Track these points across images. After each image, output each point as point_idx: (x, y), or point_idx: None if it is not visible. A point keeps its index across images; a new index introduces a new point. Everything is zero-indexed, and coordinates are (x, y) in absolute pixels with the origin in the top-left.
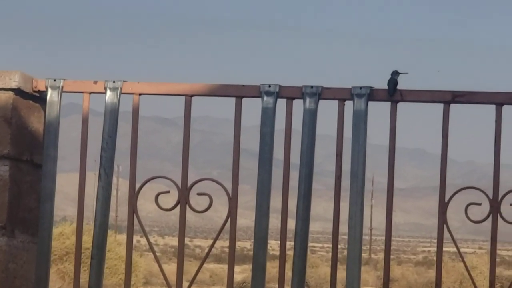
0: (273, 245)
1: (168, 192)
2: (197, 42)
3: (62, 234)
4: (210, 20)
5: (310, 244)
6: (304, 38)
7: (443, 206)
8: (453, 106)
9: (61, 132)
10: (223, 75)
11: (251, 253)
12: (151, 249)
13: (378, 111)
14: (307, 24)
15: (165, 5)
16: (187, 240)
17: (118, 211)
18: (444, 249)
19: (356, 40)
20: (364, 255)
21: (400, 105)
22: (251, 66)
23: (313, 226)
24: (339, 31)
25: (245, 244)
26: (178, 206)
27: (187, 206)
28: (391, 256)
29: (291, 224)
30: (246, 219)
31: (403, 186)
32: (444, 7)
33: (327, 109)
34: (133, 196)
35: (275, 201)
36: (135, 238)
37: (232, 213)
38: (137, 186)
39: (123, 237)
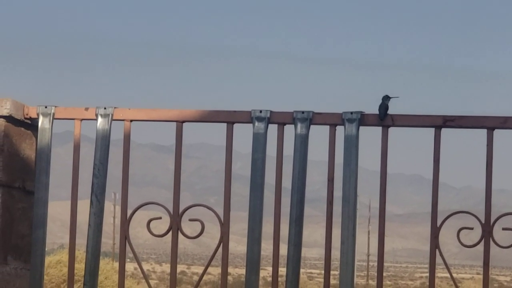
0: (269, 271)
1: (160, 218)
2: (188, 69)
3: (60, 262)
4: (201, 46)
5: (308, 270)
6: (294, 64)
7: (435, 231)
8: (449, 132)
9: (59, 159)
10: (215, 101)
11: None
12: (143, 275)
13: (376, 137)
14: (297, 50)
15: (155, 32)
16: (184, 267)
17: (116, 238)
18: (441, 274)
19: (346, 65)
20: (362, 281)
21: (397, 132)
22: (242, 92)
23: (311, 253)
24: (329, 57)
25: (242, 271)
26: (170, 233)
27: (179, 232)
28: (389, 282)
29: (285, 249)
30: (243, 246)
31: (401, 212)
32: (434, 33)
33: (324, 135)
34: (125, 222)
35: (269, 227)
36: (132, 265)
37: (224, 239)
38: (130, 213)
39: None
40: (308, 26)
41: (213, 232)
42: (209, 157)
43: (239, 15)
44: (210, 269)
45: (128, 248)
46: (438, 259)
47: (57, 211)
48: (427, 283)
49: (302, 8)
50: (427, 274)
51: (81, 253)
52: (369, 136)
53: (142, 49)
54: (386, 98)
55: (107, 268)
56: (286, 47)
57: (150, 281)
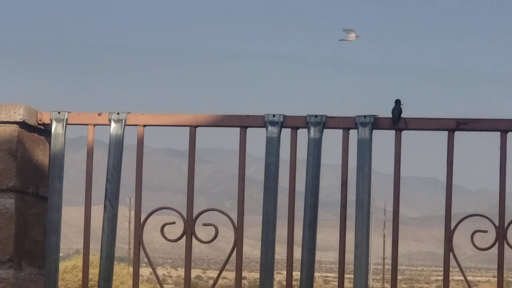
0: (284, 275)
1: (174, 223)
2: (201, 72)
3: (75, 267)
4: (213, 50)
5: (323, 274)
6: (306, 68)
7: (449, 234)
8: (464, 135)
9: (73, 165)
10: (228, 106)
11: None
12: (157, 279)
13: (390, 143)
14: (309, 55)
15: (168, 36)
16: (200, 272)
17: (131, 243)
18: (457, 277)
19: (359, 70)
20: (378, 284)
21: (412, 135)
22: (255, 96)
23: (326, 257)
24: (341, 61)
25: (258, 275)
26: (184, 237)
27: (193, 237)
28: (405, 286)
29: (299, 253)
30: (259, 250)
31: (416, 215)
32: (446, 36)
33: (338, 138)
34: (139, 227)
35: (283, 231)
36: (148, 270)
37: (238, 243)
38: (144, 218)
39: None
40: (321, 31)
41: (229, 236)
42: (224, 162)
43: (253, 19)
44: (225, 273)
45: (143, 252)
46: (453, 262)
47: (72, 217)
48: (443, 286)
49: (314, 13)
50: (443, 277)
51: (96, 258)
52: (385, 139)
53: (155, 53)
54: (399, 102)
55: (123, 273)
56: (299, 52)
57: (166, 286)
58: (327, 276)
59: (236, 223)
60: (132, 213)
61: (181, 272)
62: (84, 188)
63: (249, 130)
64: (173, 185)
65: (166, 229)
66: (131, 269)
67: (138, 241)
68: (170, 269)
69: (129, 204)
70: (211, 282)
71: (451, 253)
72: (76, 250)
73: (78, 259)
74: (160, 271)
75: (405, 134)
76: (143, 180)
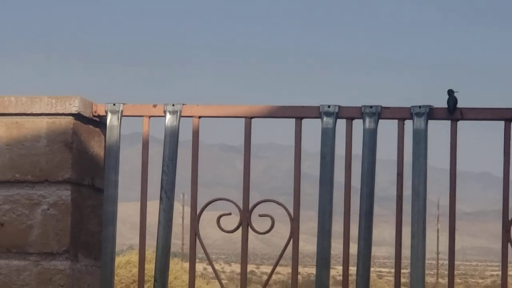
0: (338, 270)
1: (230, 214)
2: (254, 66)
3: (129, 263)
4: (269, 44)
5: (377, 269)
6: (359, 62)
7: (506, 224)
8: None
9: (127, 161)
10: (282, 97)
11: None
12: (214, 272)
13: (442, 133)
14: (364, 49)
15: (221, 32)
16: (253, 267)
17: (185, 239)
18: None
19: (410, 62)
20: (432, 279)
21: (466, 130)
22: (309, 87)
23: (380, 251)
24: (395, 55)
25: (312, 270)
26: (240, 229)
27: (249, 228)
28: (459, 280)
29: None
30: (312, 245)
31: (470, 210)
32: (500, 27)
33: (391, 133)
34: (195, 218)
35: (339, 226)
36: (202, 265)
37: (294, 234)
38: (200, 209)
39: None
40: (376, 25)
41: (282, 231)
42: (278, 157)
43: (305, 14)
44: (278, 269)
45: (197, 248)
46: (510, 257)
47: (127, 213)
48: (498, 281)
49: (369, 7)
50: (498, 272)
51: (149, 254)
52: (436, 133)
53: (208, 47)
54: (452, 92)
55: (176, 268)
56: (354, 46)
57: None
58: (380, 271)
59: (292, 214)
60: (186, 208)
61: (234, 267)
62: (137, 184)
63: (303, 123)
64: (226, 181)
65: (221, 222)
66: (184, 264)
67: (195, 232)
68: (224, 264)
69: (182, 200)
70: (264, 277)
71: (509, 244)
72: (129, 246)
73: (131, 255)
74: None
75: (459, 124)
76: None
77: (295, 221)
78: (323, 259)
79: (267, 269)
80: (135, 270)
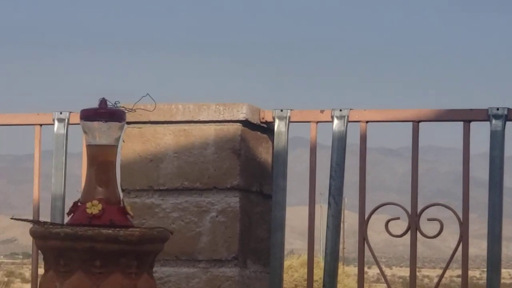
0: (503, 274)
1: (398, 218)
2: (416, 68)
3: (291, 267)
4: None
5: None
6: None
7: None
8: None
9: (288, 165)
10: (447, 101)
11: (480, 282)
12: (383, 276)
13: None
14: None
15: (391, 33)
16: None
17: (345, 243)
18: None
19: None
20: None
21: None
22: (477, 89)
23: None
24: None
25: (474, 273)
26: (408, 234)
27: (417, 233)
28: None
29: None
30: (474, 247)
31: None
32: None
33: None
34: (363, 223)
35: (505, 230)
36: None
37: (463, 238)
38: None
39: (350, 269)
40: None
41: (444, 234)
42: (438, 160)
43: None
44: (440, 272)
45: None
46: None
47: (287, 217)
48: None
49: None
50: None
51: (315, 258)
52: None
53: (375, 51)
54: None
55: (338, 272)
56: None
57: (380, 285)
58: None
59: (461, 217)
60: (346, 212)
61: (395, 270)
62: (297, 189)
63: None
64: (386, 185)
65: (385, 224)
66: (346, 268)
67: (363, 237)
68: (385, 268)
69: (343, 204)
70: (426, 280)
71: None
72: (290, 250)
73: (292, 259)
74: (375, 270)
75: None
76: (357, 180)
77: (464, 224)
78: (493, 264)
79: (428, 272)
80: (297, 275)
